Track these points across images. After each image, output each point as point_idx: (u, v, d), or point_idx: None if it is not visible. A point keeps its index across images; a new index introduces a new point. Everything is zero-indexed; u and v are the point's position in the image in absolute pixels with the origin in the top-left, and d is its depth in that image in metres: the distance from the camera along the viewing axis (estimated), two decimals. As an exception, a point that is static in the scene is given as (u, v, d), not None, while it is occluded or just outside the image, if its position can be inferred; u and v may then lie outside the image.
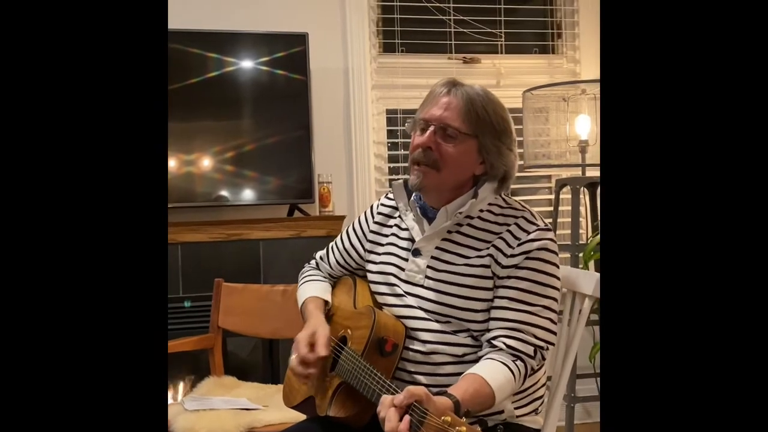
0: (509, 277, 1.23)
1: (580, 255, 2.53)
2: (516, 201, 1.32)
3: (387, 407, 1.01)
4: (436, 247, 1.29)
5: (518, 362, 1.19)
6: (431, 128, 1.26)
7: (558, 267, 1.26)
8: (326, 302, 1.44)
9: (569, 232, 2.64)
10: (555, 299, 1.25)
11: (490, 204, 1.30)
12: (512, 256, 1.23)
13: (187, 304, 2.39)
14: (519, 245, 1.23)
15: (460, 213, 1.26)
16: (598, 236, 2.49)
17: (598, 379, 2.70)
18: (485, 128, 1.25)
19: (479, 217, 1.28)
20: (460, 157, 1.26)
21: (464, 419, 0.97)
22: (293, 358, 1.30)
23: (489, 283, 1.24)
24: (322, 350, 1.27)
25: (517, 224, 1.25)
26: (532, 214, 1.28)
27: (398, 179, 1.37)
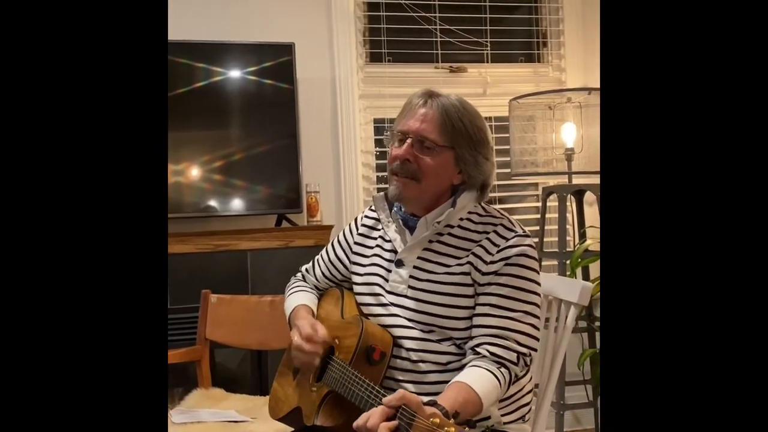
0: (489, 284, 1.24)
1: (567, 262, 2.54)
2: (495, 209, 1.33)
3: (376, 411, 1.03)
4: (418, 257, 1.30)
5: (502, 369, 1.20)
6: (409, 140, 1.27)
7: (538, 273, 1.27)
8: (314, 312, 1.44)
9: (556, 239, 2.65)
10: (536, 305, 1.25)
11: (469, 213, 1.31)
12: (492, 263, 1.24)
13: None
14: (498, 252, 1.24)
15: (438, 222, 1.27)
16: (585, 243, 2.51)
17: (588, 386, 2.70)
18: (462, 139, 1.26)
19: (459, 226, 1.29)
20: (438, 169, 1.27)
21: (452, 420, 0.98)
22: (296, 338, 1.31)
23: (470, 291, 1.25)
24: (323, 334, 1.29)
25: (495, 231, 1.26)
26: (511, 222, 1.29)
27: (379, 193, 1.38)
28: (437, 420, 0.96)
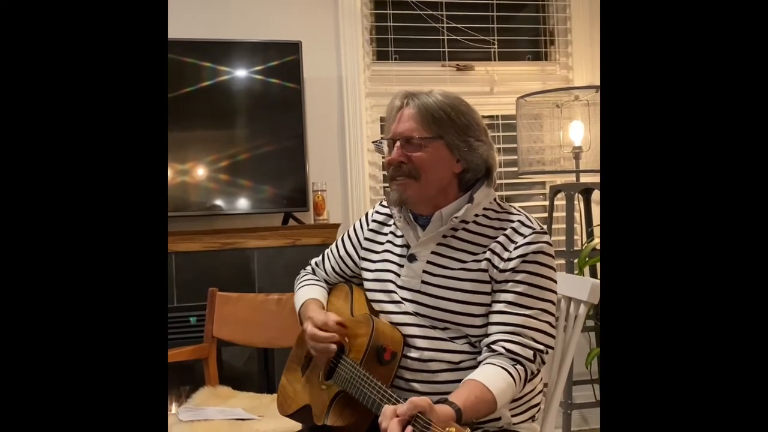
0: (507, 281, 1.23)
1: (575, 261, 2.53)
2: (511, 205, 1.33)
3: (389, 418, 1.01)
4: (432, 252, 1.29)
5: (518, 366, 1.18)
6: (397, 143, 1.28)
7: (554, 270, 1.26)
8: (324, 306, 1.44)
9: (564, 238, 2.64)
10: (552, 302, 1.25)
11: (485, 209, 1.30)
12: (509, 259, 1.23)
13: (192, 320, 2.38)
14: (516, 248, 1.23)
15: (456, 218, 1.27)
16: (593, 242, 2.50)
17: (595, 385, 2.69)
18: (446, 127, 1.27)
19: (474, 222, 1.29)
20: (433, 161, 1.27)
21: (467, 429, 0.97)
22: (310, 327, 1.30)
23: (487, 288, 1.24)
24: (335, 319, 1.29)
25: (513, 228, 1.25)
26: (528, 218, 1.28)
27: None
28: (453, 429, 0.95)
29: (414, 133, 1.26)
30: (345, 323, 1.30)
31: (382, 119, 2.89)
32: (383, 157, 1.35)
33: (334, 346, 1.28)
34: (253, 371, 2.59)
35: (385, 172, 1.34)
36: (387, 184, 2.85)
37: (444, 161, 1.28)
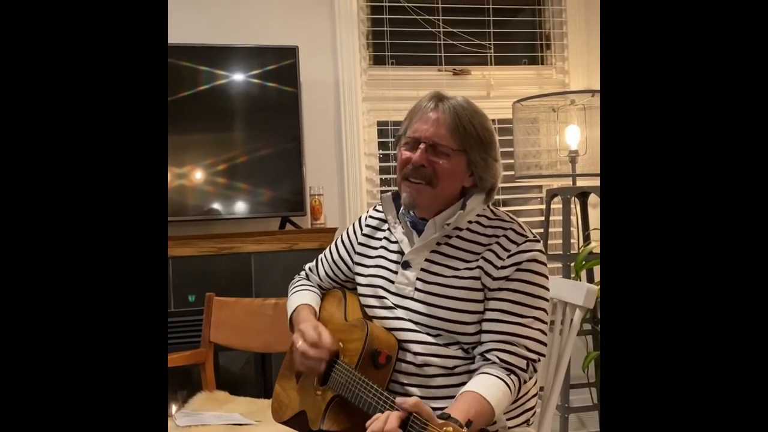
0: (500, 289, 1.23)
1: (572, 265, 2.53)
2: (504, 213, 1.33)
3: (382, 421, 1.02)
4: (426, 259, 1.29)
5: (512, 376, 1.19)
6: (422, 146, 1.26)
7: (547, 278, 1.27)
8: (317, 313, 1.44)
9: (560, 241, 2.64)
10: (545, 310, 1.25)
11: (478, 215, 1.30)
12: (503, 267, 1.23)
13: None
14: (509, 257, 1.23)
15: (448, 224, 1.27)
16: (590, 246, 2.50)
17: (592, 389, 2.70)
18: (473, 143, 1.27)
19: (468, 229, 1.29)
20: (453, 172, 1.27)
21: (465, 429, 0.98)
22: (301, 343, 1.29)
23: (479, 295, 1.24)
24: (328, 339, 1.27)
25: (506, 236, 1.26)
26: (521, 226, 1.29)
27: (387, 192, 1.38)
28: (450, 429, 0.96)
29: (443, 140, 1.25)
30: (335, 346, 1.29)
31: (379, 123, 2.90)
32: (397, 150, 1.32)
33: (323, 366, 1.28)
34: (251, 376, 2.58)
35: (395, 172, 1.32)
36: (384, 188, 2.86)
37: (461, 174, 1.28)
